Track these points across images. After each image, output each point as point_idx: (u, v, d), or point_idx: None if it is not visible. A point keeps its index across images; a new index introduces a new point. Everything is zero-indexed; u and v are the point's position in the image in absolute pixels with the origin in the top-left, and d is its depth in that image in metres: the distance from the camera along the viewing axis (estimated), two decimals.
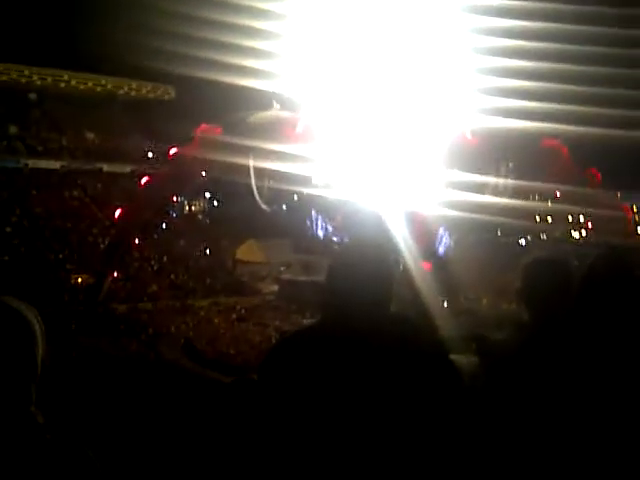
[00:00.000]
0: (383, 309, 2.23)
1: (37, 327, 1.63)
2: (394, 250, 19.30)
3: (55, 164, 34.36)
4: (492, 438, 2.23)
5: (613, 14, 23.66)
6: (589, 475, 2.24)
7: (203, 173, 29.75)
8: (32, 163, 33.60)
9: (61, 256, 29.67)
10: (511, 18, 22.16)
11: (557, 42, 22.85)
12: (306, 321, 26.30)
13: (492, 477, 2.26)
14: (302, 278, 30.05)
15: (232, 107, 27.89)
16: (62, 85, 37.83)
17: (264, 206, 28.34)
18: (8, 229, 29.75)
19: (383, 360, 2.07)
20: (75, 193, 34.08)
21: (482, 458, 2.20)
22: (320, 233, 30.19)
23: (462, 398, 2.17)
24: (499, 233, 28.38)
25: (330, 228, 29.40)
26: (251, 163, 26.56)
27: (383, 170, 22.55)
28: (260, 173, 27.14)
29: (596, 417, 2.23)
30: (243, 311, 29.16)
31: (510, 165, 25.32)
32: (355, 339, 2.11)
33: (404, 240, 20.74)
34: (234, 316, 28.69)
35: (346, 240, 22.56)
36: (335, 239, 31.27)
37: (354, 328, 2.10)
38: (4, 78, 35.99)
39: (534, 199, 25.22)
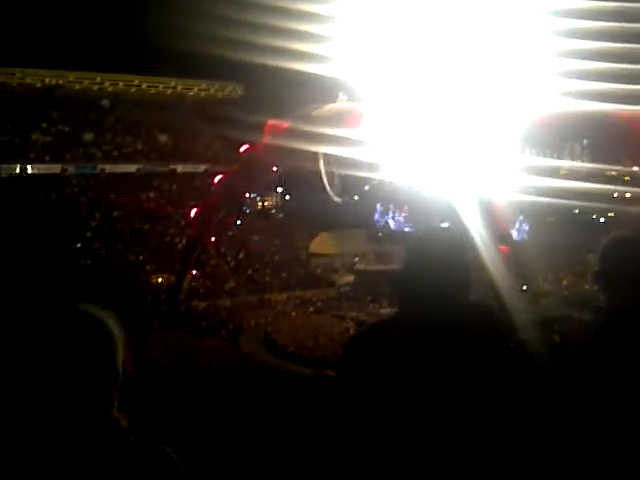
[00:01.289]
0: (460, 298, 2.21)
1: (117, 333, 1.68)
2: (467, 236, 19.04)
3: (131, 167, 35.26)
4: (568, 426, 2.20)
5: None
6: None
7: (274, 168, 30.03)
8: (109, 168, 34.59)
9: (141, 257, 30.42)
10: None
11: (632, 22, 22.07)
12: (383, 311, 26.32)
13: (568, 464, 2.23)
14: (376, 268, 29.99)
15: (299, 101, 28.01)
16: (133, 90, 38.67)
17: (335, 198, 28.40)
18: (89, 234, 30.64)
19: (463, 350, 2.06)
20: (152, 195, 34.85)
21: (560, 445, 2.17)
22: (392, 222, 30.08)
23: (539, 386, 2.14)
24: (577, 212, 27.70)
25: (401, 216, 29.26)
26: (320, 155, 26.66)
27: (453, 155, 22.22)
28: (330, 165, 27.21)
29: None
30: (319, 303, 29.31)
31: (585, 143, 24.72)
32: (434, 331, 2.09)
33: (478, 225, 20.45)
34: (311, 309, 28.88)
35: (418, 228, 22.44)
36: (407, 227, 31.09)
37: (432, 320, 2.09)
38: (77, 87, 37.05)
39: (610, 178, 24.51)
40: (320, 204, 29.85)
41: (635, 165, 24.14)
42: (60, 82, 36.61)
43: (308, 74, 24.85)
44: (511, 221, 25.15)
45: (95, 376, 1.63)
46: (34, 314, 1.73)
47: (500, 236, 22.91)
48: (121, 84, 38.20)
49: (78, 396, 1.58)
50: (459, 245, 2.25)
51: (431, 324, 2.08)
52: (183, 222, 32.07)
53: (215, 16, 26.63)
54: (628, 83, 21.64)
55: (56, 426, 1.62)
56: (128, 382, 1.69)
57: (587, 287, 20.62)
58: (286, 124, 28.59)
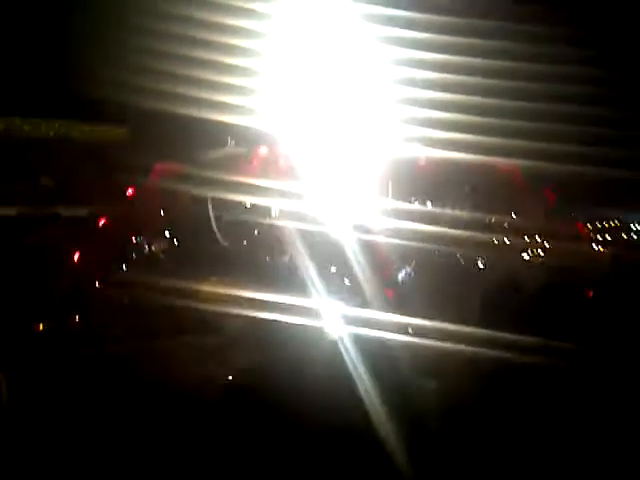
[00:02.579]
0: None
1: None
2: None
3: (10, 210, 34.07)
4: None
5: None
6: None
7: (161, 212, 29.71)
8: None
9: (22, 304, 29.25)
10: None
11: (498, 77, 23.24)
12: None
13: None
14: (264, 316, 29.91)
15: (188, 145, 27.95)
16: (13, 130, 37.61)
17: (223, 241, 28.34)
18: None
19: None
20: (33, 239, 33.69)
21: None
22: (282, 268, 30.32)
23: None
24: (458, 257, 28.81)
25: (292, 262, 29.53)
26: (210, 198, 26.63)
27: (337, 201, 22.78)
28: (219, 207, 27.19)
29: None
30: (209, 349, 28.90)
31: (467, 191, 25.79)
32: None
33: (364, 269, 20.93)
34: (200, 354, 28.42)
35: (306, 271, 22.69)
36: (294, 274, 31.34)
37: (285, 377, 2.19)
38: None
39: (490, 226, 25.68)
40: (209, 248, 29.72)
41: (514, 213, 25.35)
42: None
43: (197, 118, 24.88)
44: (395, 265, 25.83)
45: None
46: None
47: (385, 279, 23.60)
48: (1, 125, 37.10)
49: None
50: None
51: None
52: (67, 267, 31.15)
53: (99, 57, 26.35)
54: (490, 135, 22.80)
55: None
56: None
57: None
58: (174, 167, 28.47)
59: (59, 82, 27.04)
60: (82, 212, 34.88)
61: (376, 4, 22.39)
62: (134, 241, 30.85)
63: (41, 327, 28.35)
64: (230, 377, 23.42)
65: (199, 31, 23.10)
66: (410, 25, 22.42)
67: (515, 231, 25.23)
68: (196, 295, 33.70)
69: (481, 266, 28.37)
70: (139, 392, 22.78)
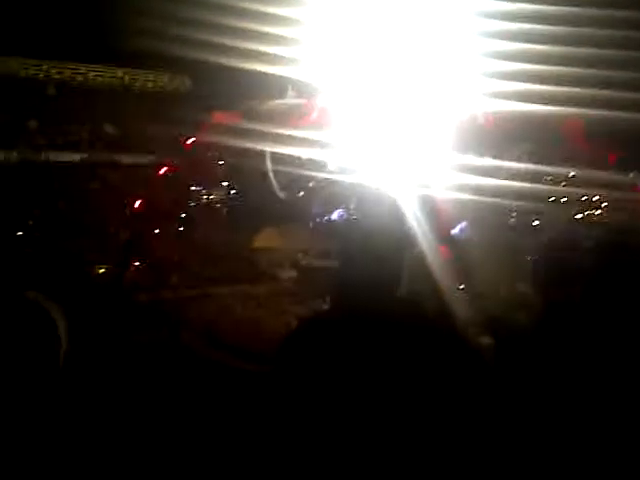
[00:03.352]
0: (394, 293, 2.35)
1: (61, 324, 1.79)
2: (406, 234, 19.33)
3: (75, 157, 34.95)
4: (500, 425, 2.32)
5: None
6: (589, 472, 2.33)
7: (220, 162, 30.06)
8: (53, 156, 34.23)
9: (83, 248, 30.09)
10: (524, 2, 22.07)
11: (571, 25, 22.69)
12: (325, 307, 26.56)
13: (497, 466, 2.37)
14: (320, 264, 30.18)
15: (248, 95, 28.06)
16: (80, 78, 38.28)
17: (281, 193, 28.57)
18: (30, 222, 30.27)
19: (393, 346, 2.20)
20: (96, 185, 34.53)
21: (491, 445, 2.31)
22: (338, 218, 30.38)
23: (475, 382, 2.26)
24: (514, 214, 28.48)
25: (347, 213, 29.57)
26: (267, 150, 26.80)
27: (397, 155, 22.64)
28: (276, 160, 27.36)
29: (598, 412, 2.28)
30: (262, 298, 29.39)
31: (527, 147, 25.37)
32: (364, 325, 2.24)
33: (420, 224, 20.84)
34: (253, 303, 28.95)
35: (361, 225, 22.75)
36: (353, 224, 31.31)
37: (361, 315, 2.23)
38: (22, 74, 36.52)
39: (549, 181, 25.30)
40: (266, 199, 29.94)
41: (574, 168, 24.92)
42: (3, 68, 36.07)
43: (256, 71, 24.95)
44: (453, 221, 25.66)
45: (36, 364, 1.75)
46: None
47: (442, 235, 23.38)
48: (67, 72, 37.80)
49: (17, 382, 1.70)
50: (396, 241, 2.40)
51: (360, 319, 2.22)
52: (127, 213, 31.86)
53: (163, 12, 26.55)
54: (572, 85, 22.31)
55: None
56: (68, 372, 1.81)
57: (522, 288, 21.15)
58: (233, 117, 28.70)
59: (124, 33, 27.37)
60: (144, 160, 35.55)
61: None
62: (193, 190, 31.32)
63: (101, 271, 29.17)
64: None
65: None
66: None
67: (575, 187, 24.79)
68: (251, 245, 34.23)
69: (538, 223, 28.03)
70: (192, 341, 23.40)
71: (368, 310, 2.33)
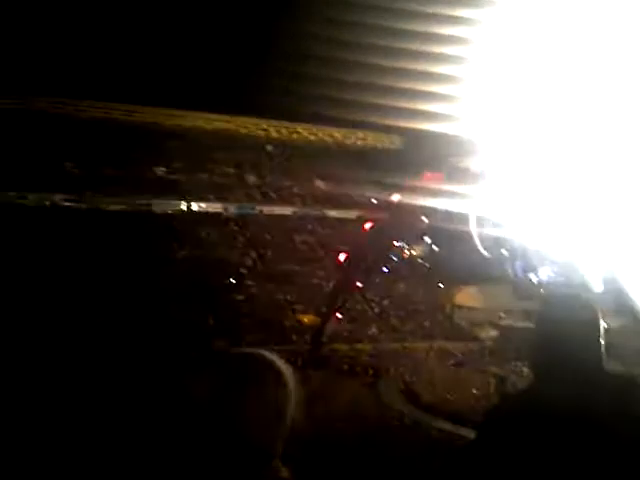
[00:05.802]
0: (598, 368, 2.29)
1: (292, 384, 1.96)
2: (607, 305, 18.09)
3: (287, 210, 36.84)
4: None
5: None
6: None
7: (424, 219, 30.45)
8: (266, 210, 36.32)
9: (289, 297, 31.52)
10: None
11: None
12: (525, 369, 25.76)
13: None
14: (522, 325, 29.38)
15: (455, 155, 28.35)
16: (295, 137, 40.36)
17: (484, 251, 28.31)
18: (244, 270, 32.18)
19: (608, 428, 2.12)
20: (304, 237, 36.13)
21: None
22: (541, 279, 29.47)
23: None
24: None
25: (550, 274, 28.62)
26: (471, 210, 26.80)
27: (600, 214, 21.38)
28: (481, 219, 27.26)
29: None
30: (461, 356, 29.09)
31: None
32: (574, 404, 2.21)
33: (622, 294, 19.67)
34: (452, 361, 28.73)
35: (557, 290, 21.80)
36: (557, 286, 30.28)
37: (571, 393, 2.20)
38: (244, 131, 39.20)
39: None
40: (468, 256, 29.81)
41: None
42: (227, 126, 38.97)
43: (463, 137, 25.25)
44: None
45: (266, 422, 1.88)
46: (213, 359, 1.99)
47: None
48: (285, 131, 39.98)
49: (245, 441, 1.82)
50: (593, 312, 2.38)
51: (570, 397, 2.18)
52: (333, 265, 32.96)
53: (374, 84, 27.82)
54: None
55: (222, 467, 1.84)
56: (295, 433, 1.94)
57: None
58: (440, 177, 29.09)
59: (338, 99, 29.13)
60: (351, 215, 36.75)
61: None
62: (396, 245, 31.92)
63: (306, 321, 30.32)
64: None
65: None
66: None
67: None
68: (450, 302, 34.06)
69: None
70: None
71: (574, 389, 2.28)
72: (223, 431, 1.80)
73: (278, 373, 1.92)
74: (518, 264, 31.54)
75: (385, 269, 31.92)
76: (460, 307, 35.25)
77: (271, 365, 1.93)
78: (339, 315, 30.08)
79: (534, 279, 32.62)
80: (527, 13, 21.97)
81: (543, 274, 31.77)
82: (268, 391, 1.90)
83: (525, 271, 32.31)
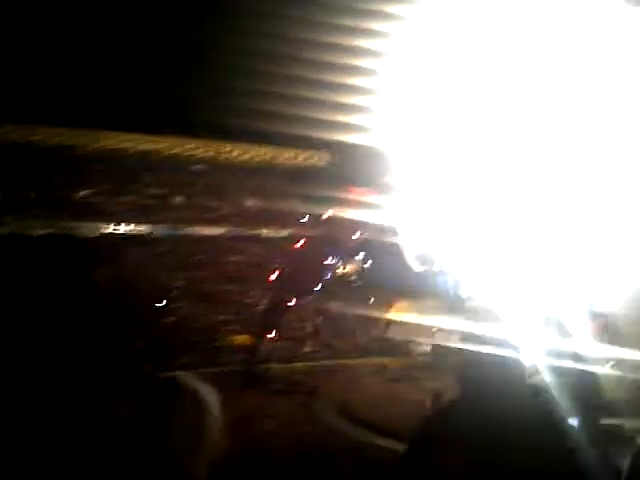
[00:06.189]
0: (519, 378, 2.26)
1: (215, 408, 1.82)
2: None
3: (217, 230, 36.43)
4: None
5: None
6: None
7: (357, 234, 30.44)
8: (196, 230, 35.86)
9: (222, 318, 31.06)
10: None
11: None
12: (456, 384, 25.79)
13: None
14: (456, 341, 29.53)
15: (382, 174, 28.44)
16: (223, 155, 40.19)
17: (416, 266, 28.45)
18: (174, 293, 31.60)
19: (526, 440, 2.10)
20: (236, 257, 35.74)
21: None
22: (470, 295, 29.65)
23: None
24: None
25: (482, 293, 28.73)
26: (403, 224, 26.90)
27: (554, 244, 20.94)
28: (412, 234, 27.39)
29: None
30: (396, 371, 29.08)
31: None
32: (495, 414, 2.17)
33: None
34: (387, 376, 28.69)
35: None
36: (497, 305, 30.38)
37: (491, 401, 2.17)
38: (170, 152, 38.83)
39: None
40: (401, 271, 29.92)
41: None
42: (152, 147, 38.46)
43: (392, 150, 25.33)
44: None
45: (184, 446, 1.78)
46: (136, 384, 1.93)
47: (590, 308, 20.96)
48: (212, 151, 39.78)
49: (166, 466, 1.73)
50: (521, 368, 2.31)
51: (494, 406, 2.15)
52: (264, 285, 32.66)
53: (304, 97, 27.70)
54: None
55: None
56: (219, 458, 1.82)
57: None
58: (368, 192, 29.14)
59: (266, 114, 28.82)
60: (283, 233, 36.56)
61: None
62: (329, 262, 31.77)
63: (238, 341, 29.93)
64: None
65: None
66: None
67: None
68: (384, 318, 34.10)
69: None
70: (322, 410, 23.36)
71: (499, 396, 2.27)
72: (144, 456, 1.71)
73: (200, 398, 1.84)
74: (446, 279, 31.87)
75: (318, 286, 31.71)
76: (394, 322, 35.37)
77: (193, 390, 1.86)
78: (272, 334, 29.76)
79: (463, 294, 32.97)
80: (442, 26, 22.19)
81: (470, 290, 32.11)
82: (188, 416, 1.82)
83: (453, 286, 32.65)
